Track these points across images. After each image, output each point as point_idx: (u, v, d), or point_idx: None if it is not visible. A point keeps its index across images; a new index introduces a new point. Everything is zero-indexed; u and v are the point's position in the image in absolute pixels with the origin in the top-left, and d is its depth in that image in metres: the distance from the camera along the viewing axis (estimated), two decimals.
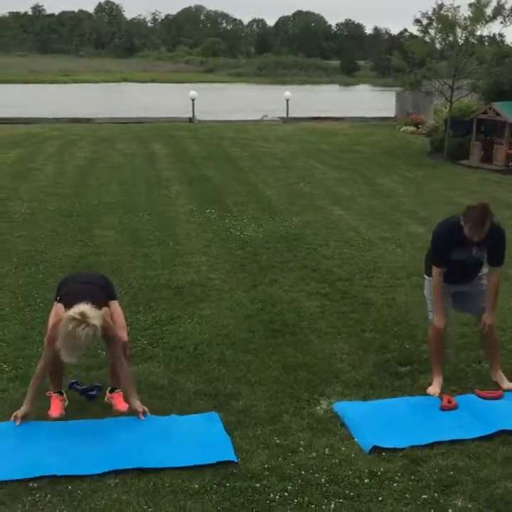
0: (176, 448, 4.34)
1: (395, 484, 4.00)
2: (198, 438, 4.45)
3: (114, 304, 4.97)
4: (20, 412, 4.58)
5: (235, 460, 4.21)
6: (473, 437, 4.43)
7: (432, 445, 4.37)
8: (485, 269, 5.19)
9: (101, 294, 4.82)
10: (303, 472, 4.11)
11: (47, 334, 4.63)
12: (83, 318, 4.33)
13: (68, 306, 4.54)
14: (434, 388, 5.12)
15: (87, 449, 4.31)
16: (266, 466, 4.16)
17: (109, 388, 5.00)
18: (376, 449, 4.31)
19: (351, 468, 4.15)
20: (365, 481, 4.03)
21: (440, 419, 4.66)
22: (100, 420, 4.70)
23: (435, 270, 5.07)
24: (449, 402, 4.85)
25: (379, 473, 4.10)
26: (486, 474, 4.09)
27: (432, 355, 5.33)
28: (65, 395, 4.97)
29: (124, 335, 4.91)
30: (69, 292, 4.78)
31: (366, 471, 4.12)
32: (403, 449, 4.32)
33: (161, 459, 4.20)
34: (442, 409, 4.79)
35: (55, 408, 4.83)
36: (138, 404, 4.68)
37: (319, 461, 4.23)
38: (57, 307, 4.72)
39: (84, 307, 4.42)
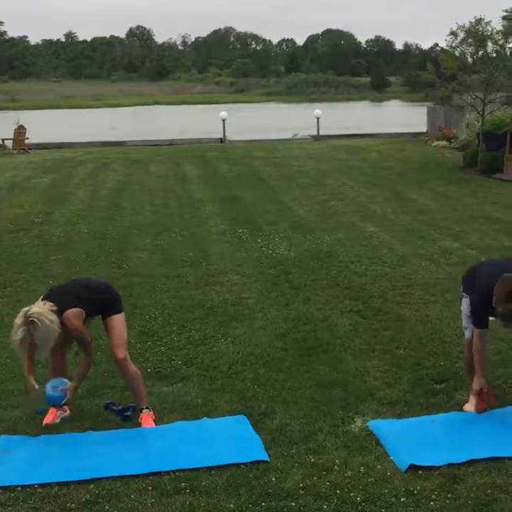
0: (210, 449, 4.52)
1: (431, 503, 3.96)
2: (229, 438, 4.63)
3: (114, 320, 4.99)
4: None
5: (267, 459, 4.35)
6: (511, 455, 4.36)
7: (469, 463, 4.31)
8: None
9: (83, 298, 4.85)
10: (338, 491, 4.08)
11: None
12: (26, 319, 4.54)
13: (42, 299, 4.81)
14: (471, 405, 5.05)
15: (127, 453, 4.51)
16: (301, 485, 4.15)
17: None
18: (412, 468, 4.27)
19: (387, 487, 4.11)
20: (402, 499, 3.99)
21: (477, 436, 4.60)
22: (135, 429, 4.87)
23: (476, 332, 4.95)
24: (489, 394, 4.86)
25: (416, 491, 4.06)
26: None
27: (468, 372, 5.26)
28: (66, 407, 5.10)
29: (119, 352, 4.94)
30: (52, 289, 5.05)
31: (402, 489, 4.08)
32: (440, 467, 4.27)
33: (196, 460, 4.38)
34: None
35: (49, 416, 5.02)
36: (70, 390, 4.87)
37: (355, 479, 4.20)
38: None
39: (35, 306, 4.64)
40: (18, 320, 4.61)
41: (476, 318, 4.96)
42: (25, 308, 4.66)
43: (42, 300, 4.80)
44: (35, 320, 4.55)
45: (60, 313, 4.68)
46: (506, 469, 4.25)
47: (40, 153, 22.81)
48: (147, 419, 4.94)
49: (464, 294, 5.25)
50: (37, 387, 4.87)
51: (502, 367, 5.80)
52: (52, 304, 4.70)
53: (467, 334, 5.23)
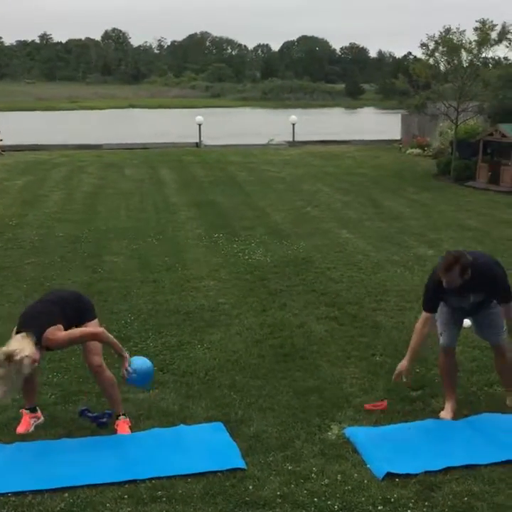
0: (186, 456, 4.49)
1: (408, 511, 3.96)
2: (206, 446, 4.61)
3: (89, 327, 4.88)
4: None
5: (244, 466, 4.34)
6: (487, 463, 4.39)
7: (445, 471, 4.32)
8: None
9: (56, 314, 4.70)
10: (316, 499, 4.07)
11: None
12: (9, 360, 4.32)
13: (17, 331, 4.59)
14: (446, 413, 5.08)
15: (102, 461, 4.46)
16: (278, 493, 4.13)
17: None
18: (389, 476, 4.27)
19: (364, 495, 4.11)
20: (379, 507, 3.99)
21: (453, 444, 4.61)
22: (111, 436, 4.82)
23: (422, 315, 5.05)
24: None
25: (392, 499, 4.06)
26: (502, 500, 4.05)
27: (444, 379, 5.29)
28: (39, 413, 5.03)
29: (94, 359, 4.86)
30: (22, 315, 4.80)
31: (380, 497, 4.08)
32: (417, 475, 4.28)
33: (173, 468, 4.35)
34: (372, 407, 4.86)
35: (22, 425, 4.91)
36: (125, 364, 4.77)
37: (332, 487, 4.19)
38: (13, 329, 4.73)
39: (12, 343, 4.42)
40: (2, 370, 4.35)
41: (423, 299, 5.08)
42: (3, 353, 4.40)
43: (17, 331, 4.60)
44: (22, 360, 4.36)
45: (38, 337, 4.53)
46: (482, 477, 4.27)
47: (14, 155, 22.57)
48: (123, 425, 4.89)
49: None
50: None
51: (477, 374, 5.84)
52: (27, 332, 4.50)
53: (441, 340, 5.27)
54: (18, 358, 4.34)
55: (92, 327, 4.91)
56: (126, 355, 4.81)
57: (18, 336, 4.52)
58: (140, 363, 4.88)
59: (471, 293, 4.89)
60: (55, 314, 4.71)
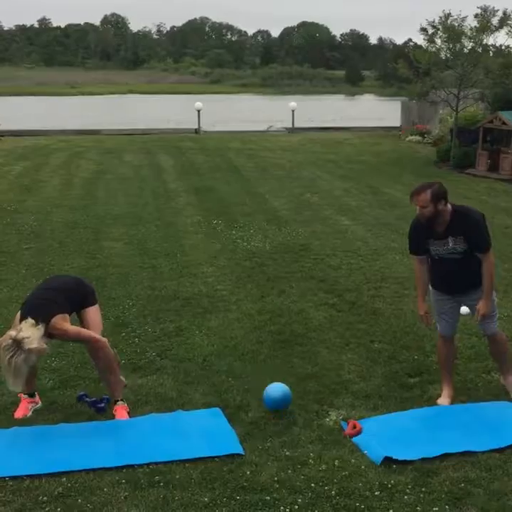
0: (184, 442, 4.50)
1: (405, 497, 3.97)
2: (204, 431, 4.61)
3: (89, 312, 4.94)
4: None
5: (242, 452, 4.36)
6: (484, 450, 4.40)
7: (442, 457, 4.34)
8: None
9: (61, 302, 4.74)
10: (313, 485, 4.08)
11: None
12: (18, 346, 4.34)
13: (22, 318, 4.60)
14: (444, 399, 5.09)
15: (100, 445, 4.47)
16: (276, 478, 4.14)
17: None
18: (387, 462, 4.28)
19: (361, 481, 4.12)
20: (376, 493, 4.00)
21: (451, 430, 4.62)
22: (109, 421, 4.83)
23: (413, 260, 5.14)
24: (354, 427, 4.64)
25: (390, 485, 4.07)
26: (498, 486, 4.06)
27: (441, 366, 5.29)
28: (37, 398, 5.04)
29: (95, 336, 4.85)
30: (26, 302, 4.83)
31: (377, 483, 4.10)
32: (414, 461, 4.29)
33: (171, 453, 4.36)
34: (346, 435, 4.58)
35: (20, 409, 4.92)
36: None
37: (329, 473, 4.20)
38: (16, 315, 4.76)
39: (24, 329, 4.42)
40: (8, 352, 4.34)
41: (408, 244, 5.11)
42: (8, 338, 4.40)
43: (21, 317, 4.63)
44: (26, 341, 4.37)
45: (44, 325, 4.54)
46: (479, 463, 4.29)
47: (12, 141, 22.47)
48: (121, 411, 4.89)
49: (430, 286, 5.25)
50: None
51: (475, 361, 5.85)
52: (33, 320, 4.52)
53: (438, 328, 5.26)
54: (26, 347, 4.35)
55: (93, 313, 4.96)
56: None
57: (29, 322, 4.50)
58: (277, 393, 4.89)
59: (450, 235, 4.82)
60: (61, 302, 4.75)
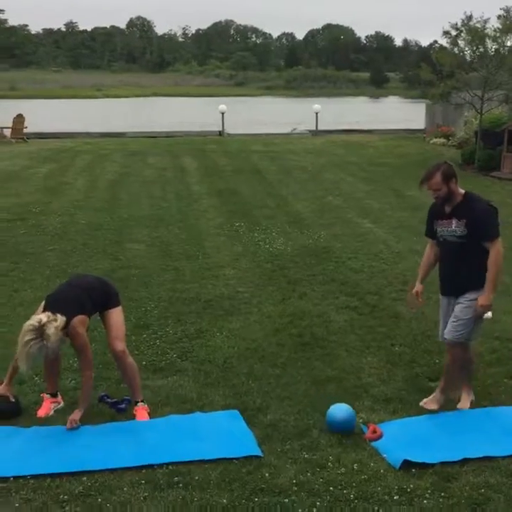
0: (202, 443, 4.53)
1: (425, 501, 3.96)
2: (222, 433, 4.63)
3: (113, 313, 4.98)
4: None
5: (260, 454, 4.37)
6: (505, 455, 4.36)
7: (462, 462, 4.31)
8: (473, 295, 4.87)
9: (84, 306, 4.79)
10: (331, 488, 4.08)
11: None
12: (40, 333, 4.43)
13: (44, 310, 4.68)
14: (464, 403, 5.06)
15: (119, 445, 4.52)
16: (294, 481, 4.15)
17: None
18: (406, 466, 4.27)
19: (380, 485, 4.11)
20: (395, 497, 3.99)
21: (471, 435, 4.58)
22: (128, 422, 4.87)
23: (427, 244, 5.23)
24: (374, 431, 4.62)
25: (409, 489, 4.06)
26: None
27: (458, 370, 5.24)
28: (59, 398, 5.11)
29: (118, 344, 4.94)
30: (50, 295, 4.90)
31: (396, 487, 4.08)
32: (433, 465, 4.27)
33: (189, 454, 4.39)
34: (366, 439, 4.56)
35: (43, 409, 4.98)
36: (74, 416, 4.74)
37: (348, 476, 4.20)
38: (40, 306, 4.84)
39: (45, 319, 4.50)
40: (30, 334, 4.46)
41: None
42: (36, 321, 4.51)
43: (44, 310, 4.71)
44: (49, 333, 4.46)
45: (64, 321, 4.61)
46: (500, 469, 4.26)
47: (39, 143, 22.72)
48: (142, 412, 4.94)
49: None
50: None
51: (496, 365, 5.81)
52: (54, 314, 4.60)
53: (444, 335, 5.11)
54: (46, 338, 4.44)
55: (117, 315, 5.00)
56: (82, 410, 4.81)
57: (48, 313, 4.59)
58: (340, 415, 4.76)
59: (454, 217, 4.82)
60: (83, 303, 4.80)
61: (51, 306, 4.69)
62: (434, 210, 5.05)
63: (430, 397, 5.07)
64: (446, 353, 5.15)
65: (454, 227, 4.85)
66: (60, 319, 4.57)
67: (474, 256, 4.83)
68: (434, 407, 4.98)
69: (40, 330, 4.46)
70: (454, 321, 4.93)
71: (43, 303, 4.84)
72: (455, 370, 5.04)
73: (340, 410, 4.74)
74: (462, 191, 4.89)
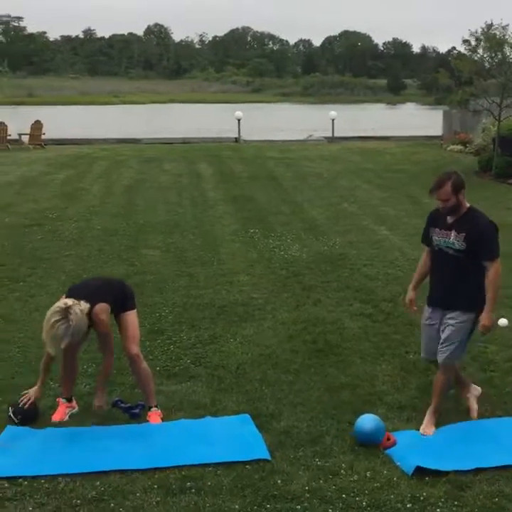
0: (212, 446, 4.55)
1: (438, 510, 3.94)
2: (232, 437, 4.65)
3: (129, 316, 5.04)
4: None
5: (268, 458, 4.39)
6: None
7: (476, 471, 4.29)
8: (458, 315, 4.75)
9: (106, 296, 4.89)
10: (344, 495, 4.07)
11: None
12: (65, 314, 4.53)
13: (67, 297, 4.81)
14: (473, 411, 4.98)
15: (130, 448, 4.55)
16: (306, 488, 4.14)
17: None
18: (419, 474, 4.25)
19: (393, 493, 4.10)
20: (408, 505, 3.98)
21: (485, 444, 4.55)
22: (139, 425, 4.91)
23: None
24: (388, 439, 4.60)
25: (422, 498, 4.04)
26: None
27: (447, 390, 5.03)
28: (74, 403, 5.15)
29: (133, 347, 5.00)
30: (73, 287, 5.06)
31: (409, 495, 4.07)
32: (447, 474, 4.25)
33: (198, 457, 4.42)
34: (380, 447, 4.54)
35: (58, 413, 5.02)
36: (98, 400, 4.93)
37: (361, 484, 4.19)
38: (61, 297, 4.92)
39: (71, 302, 4.63)
40: (55, 316, 4.56)
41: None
42: (61, 304, 4.64)
43: (66, 297, 4.80)
44: (74, 313, 4.56)
45: (89, 307, 4.73)
46: None
47: (56, 149, 22.90)
48: (155, 417, 4.96)
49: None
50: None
51: None
52: (79, 300, 4.71)
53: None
54: (72, 318, 4.54)
55: (132, 317, 5.06)
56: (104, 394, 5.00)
57: (72, 299, 4.70)
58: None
59: (455, 229, 4.70)
60: (105, 293, 4.92)
61: (74, 295, 4.81)
62: (434, 217, 4.94)
63: (425, 423, 4.83)
64: (438, 375, 4.95)
65: (452, 239, 4.72)
66: (84, 305, 4.69)
67: (469, 272, 4.71)
68: (432, 429, 4.80)
69: (65, 311, 4.57)
70: (447, 345, 4.77)
71: (65, 294, 4.93)
72: (444, 390, 4.95)
73: (369, 421, 4.66)
74: (468, 204, 4.76)
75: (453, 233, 4.71)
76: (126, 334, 5.02)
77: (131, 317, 5.06)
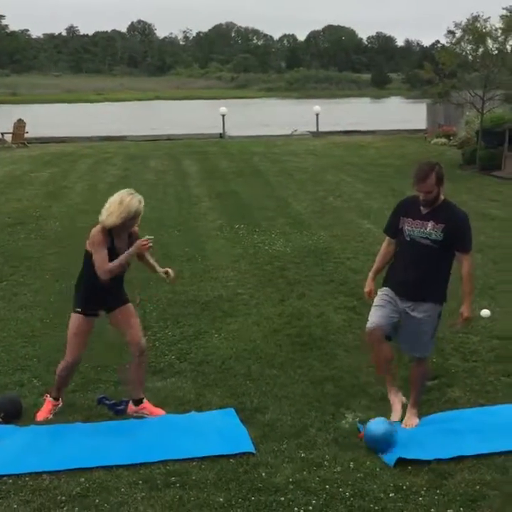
0: (196, 440, 4.57)
1: (420, 498, 3.97)
2: (217, 431, 4.67)
3: (131, 307, 5.14)
4: None
5: (253, 451, 4.42)
6: (500, 451, 4.38)
7: (458, 459, 4.33)
8: (426, 306, 4.70)
9: None
10: (327, 486, 4.10)
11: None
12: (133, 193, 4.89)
13: None
14: (394, 415, 4.89)
15: (114, 444, 4.56)
16: (291, 480, 4.17)
17: (134, 401, 5.06)
18: (401, 464, 4.29)
19: (376, 483, 4.13)
20: (391, 495, 4.01)
21: (467, 433, 4.59)
22: (124, 420, 4.93)
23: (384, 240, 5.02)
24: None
25: (404, 487, 4.08)
26: None
27: (379, 370, 5.03)
28: (60, 401, 5.12)
29: (143, 339, 5.09)
30: None
31: (391, 485, 4.10)
32: (429, 463, 4.29)
33: (183, 451, 4.45)
34: (362, 438, 4.56)
35: (43, 412, 5.00)
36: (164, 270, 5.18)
37: (344, 475, 4.22)
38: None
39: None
40: (125, 194, 4.94)
41: (386, 223, 5.06)
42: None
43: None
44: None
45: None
46: (495, 466, 4.27)
47: (40, 147, 22.81)
48: (152, 408, 5.01)
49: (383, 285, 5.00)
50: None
51: (495, 363, 5.82)
52: None
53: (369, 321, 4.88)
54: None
55: (133, 308, 5.16)
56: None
57: None
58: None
59: (432, 220, 4.62)
60: None
61: None
62: (405, 207, 4.86)
63: (407, 416, 4.84)
64: (414, 367, 4.94)
65: (429, 230, 4.63)
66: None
67: (440, 264, 4.68)
68: (416, 422, 4.81)
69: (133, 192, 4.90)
70: (422, 338, 4.75)
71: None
72: (424, 382, 4.99)
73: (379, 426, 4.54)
74: (442, 196, 4.72)
75: (431, 224, 4.64)
76: (135, 325, 5.03)
77: (133, 308, 5.11)
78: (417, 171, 4.65)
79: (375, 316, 4.79)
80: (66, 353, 4.98)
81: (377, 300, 4.89)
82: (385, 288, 4.90)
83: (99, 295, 4.96)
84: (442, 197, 4.73)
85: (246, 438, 4.58)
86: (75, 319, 4.96)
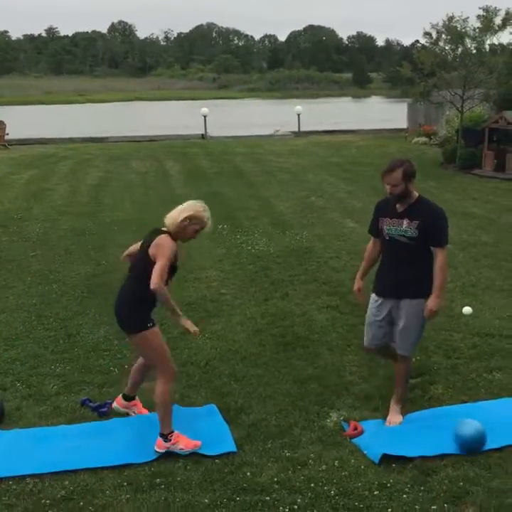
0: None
1: (404, 496, 4.00)
2: (199, 429, 4.65)
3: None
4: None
5: (235, 450, 4.44)
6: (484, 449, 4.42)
7: (442, 456, 4.36)
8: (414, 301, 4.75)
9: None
10: (312, 485, 4.12)
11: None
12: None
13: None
14: (397, 418, 4.89)
15: (98, 445, 4.56)
16: (276, 479, 4.18)
17: (124, 396, 5.03)
18: (386, 461, 4.31)
19: (361, 481, 4.15)
20: (375, 493, 4.03)
21: (449, 430, 4.62)
22: (106, 421, 4.93)
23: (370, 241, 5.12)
24: (355, 428, 4.69)
25: (389, 484, 4.10)
26: (497, 484, 4.08)
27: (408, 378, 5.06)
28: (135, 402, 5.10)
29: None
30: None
31: (376, 483, 4.13)
32: (413, 460, 4.32)
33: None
34: (347, 436, 4.62)
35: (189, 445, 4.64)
36: (189, 324, 4.71)
37: (329, 473, 4.24)
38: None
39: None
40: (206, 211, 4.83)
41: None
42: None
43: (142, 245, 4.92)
44: None
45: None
46: (478, 462, 4.31)
47: (20, 149, 22.64)
48: (140, 404, 5.05)
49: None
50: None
51: (476, 361, 5.86)
52: None
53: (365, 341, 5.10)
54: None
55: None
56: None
57: None
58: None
59: (407, 217, 4.68)
60: None
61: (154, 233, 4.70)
62: (382, 207, 4.93)
63: (391, 413, 4.87)
64: (398, 364, 4.96)
65: (404, 227, 4.69)
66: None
67: (420, 259, 4.72)
68: (400, 419, 4.84)
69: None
70: (406, 334, 4.78)
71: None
72: (407, 379, 5.02)
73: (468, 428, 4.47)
74: (416, 194, 4.76)
75: (405, 221, 4.70)
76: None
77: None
78: (387, 164, 4.74)
79: (366, 339, 5.03)
80: (163, 371, 4.59)
81: (367, 315, 5.04)
82: (373, 295, 5.03)
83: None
84: (416, 194, 4.77)
85: (228, 437, 4.59)
86: (151, 335, 4.59)
